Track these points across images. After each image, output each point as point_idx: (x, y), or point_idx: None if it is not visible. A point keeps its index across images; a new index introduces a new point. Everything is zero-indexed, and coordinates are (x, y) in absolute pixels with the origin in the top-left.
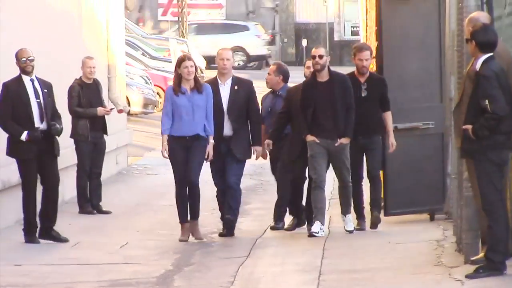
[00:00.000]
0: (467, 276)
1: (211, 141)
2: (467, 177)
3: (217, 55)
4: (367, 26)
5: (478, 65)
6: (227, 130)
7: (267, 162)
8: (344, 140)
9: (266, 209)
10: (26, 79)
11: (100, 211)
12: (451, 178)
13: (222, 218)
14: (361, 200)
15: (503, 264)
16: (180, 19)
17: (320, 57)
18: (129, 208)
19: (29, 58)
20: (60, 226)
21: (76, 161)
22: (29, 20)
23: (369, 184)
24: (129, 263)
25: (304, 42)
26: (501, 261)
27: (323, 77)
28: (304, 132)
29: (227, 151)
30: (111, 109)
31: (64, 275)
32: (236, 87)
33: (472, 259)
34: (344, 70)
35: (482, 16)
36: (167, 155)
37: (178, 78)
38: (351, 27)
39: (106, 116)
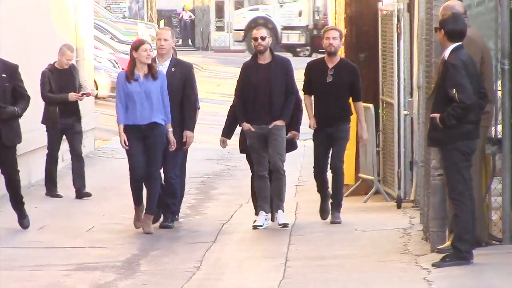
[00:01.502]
0: (433, 265)
1: (169, 128)
2: (434, 165)
3: (156, 35)
4: (335, 13)
5: (446, 54)
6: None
7: (235, 148)
8: (279, 122)
9: (233, 195)
10: None
11: (81, 194)
12: (419, 166)
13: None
14: (339, 189)
15: (470, 253)
16: (148, 3)
17: (263, 38)
18: (96, 192)
19: None
20: (26, 209)
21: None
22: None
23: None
24: (95, 247)
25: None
26: (467, 250)
27: (265, 59)
28: (239, 118)
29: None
30: (83, 93)
31: (30, 258)
32: (173, 69)
33: (438, 247)
34: (313, 56)
35: (457, 5)
36: (127, 146)
37: (133, 64)
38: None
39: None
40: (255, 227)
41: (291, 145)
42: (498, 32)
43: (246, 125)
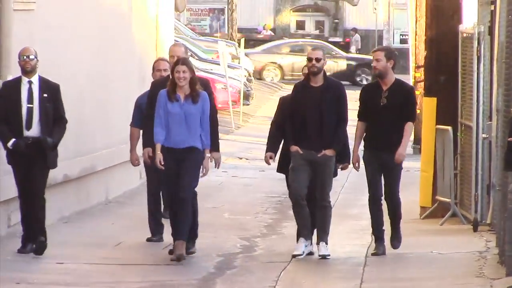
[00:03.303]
0: None
1: (207, 154)
2: (511, 189)
3: (169, 51)
4: (416, 34)
5: None
6: None
7: None
8: (329, 152)
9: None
10: (24, 80)
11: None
12: (496, 190)
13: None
14: (381, 220)
15: None
16: (229, 21)
17: (318, 60)
18: None
19: (29, 57)
20: (102, 225)
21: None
22: (79, 18)
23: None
24: (170, 265)
25: (353, 49)
26: None
27: (317, 81)
28: (288, 139)
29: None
30: None
31: (107, 275)
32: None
33: None
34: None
35: None
36: (162, 166)
37: (173, 84)
38: (400, 35)
39: None
40: (294, 256)
41: (334, 171)
42: None
43: (295, 148)
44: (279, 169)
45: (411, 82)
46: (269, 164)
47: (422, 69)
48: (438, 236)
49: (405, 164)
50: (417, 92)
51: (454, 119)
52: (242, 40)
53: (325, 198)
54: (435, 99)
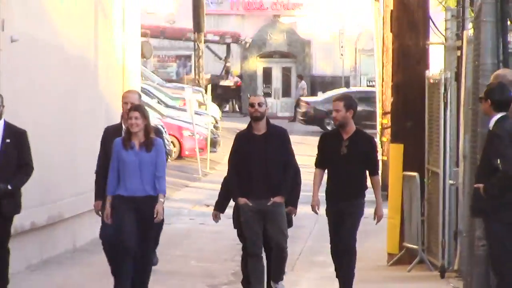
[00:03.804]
0: None
1: (161, 199)
2: (478, 236)
3: (122, 98)
4: (382, 80)
5: (491, 124)
6: None
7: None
8: (278, 199)
9: None
10: None
11: None
12: (463, 236)
13: None
14: (351, 275)
15: None
16: (196, 67)
17: (260, 104)
18: None
19: None
20: (70, 273)
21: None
22: (45, 64)
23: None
24: None
25: (320, 94)
26: None
27: (260, 129)
28: (234, 192)
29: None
30: None
31: None
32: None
33: None
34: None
35: (508, 74)
36: (109, 220)
37: (128, 131)
38: (367, 80)
39: None
40: None
41: (288, 221)
42: None
43: (242, 200)
44: (236, 225)
45: (378, 128)
46: (216, 222)
47: (389, 115)
48: (405, 283)
49: (371, 211)
50: (383, 139)
51: (421, 165)
52: (209, 87)
53: (282, 244)
54: (402, 145)
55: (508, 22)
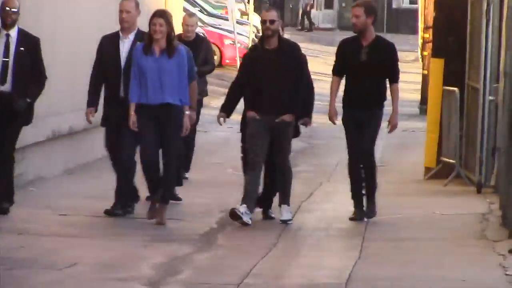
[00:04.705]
0: (510, 251)
1: (187, 112)
2: None
3: (119, 6)
4: None
5: None
6: (123, 92)
7: (319, 125)
8: (286, 117)
9: (314, 172)
10: (2, 33)
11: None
12: (501, 153)
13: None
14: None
15: None
16: None
17: (272, 22)
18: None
19: (12, 9)
20: (104, 179)
21: None
22: None
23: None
24: (173, 219)
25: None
26: None
27: (272, 44)
28: (245, 105)
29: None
30: None
31: (108, 227)
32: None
33: None
34: (401, 37)
35: None
36: (135, 128)
37: (149, 37)
38: None
39: None
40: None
41: (296, 131)
42: None
43: (251, 113)
44: (242, 128)
45: (419, 43)
46: (220, 124)
47: (431, 30)
48: (441, 197)
49: (410, 125)
50: (425, 53)
51: (462, 80)
52: None
53: (284, 163)
54: (442, 60)
55: None
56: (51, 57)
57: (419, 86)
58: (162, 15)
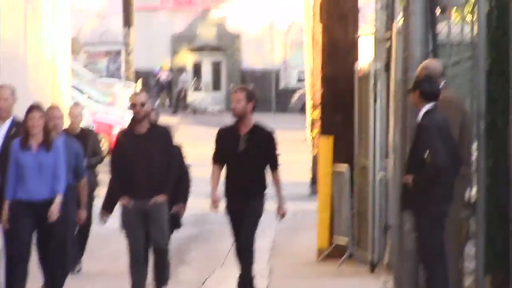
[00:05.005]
0: None
1: (57, 200)
2: (408, 229)
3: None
4: (312, 73)
5: (420, 116)
6: None
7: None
8: (159, 198)
9: (207, 259)
10: None
11: None
12: (393, 230)
13: None
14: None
15: None
16: (126, 63)
17: (142, 104)
18: None
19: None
20: None
21: None
22: None
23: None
24: None
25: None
26: None
27: (142, 128)
28: (115, 192)
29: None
30: None
31: None
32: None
33: None
34: (290, 117)
35: (435, 65)
36: (7, 226)
37: (27, 131)
38: (298, 73)
39: None
40: None
41: (175, 223)
42: (474, 93)
43: (124, 200)
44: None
45: (307, 122)
46: (104, 223)
47: (318, 108)
48: (335, 278)
49: (302, 206)
50: (313, 132)
51: (351, 158)
52: (139, 82)
53: (164, 243)
54: (331, 138)
55: (437, 13)
56: None
57: (308, 166)
58: (39, 108)
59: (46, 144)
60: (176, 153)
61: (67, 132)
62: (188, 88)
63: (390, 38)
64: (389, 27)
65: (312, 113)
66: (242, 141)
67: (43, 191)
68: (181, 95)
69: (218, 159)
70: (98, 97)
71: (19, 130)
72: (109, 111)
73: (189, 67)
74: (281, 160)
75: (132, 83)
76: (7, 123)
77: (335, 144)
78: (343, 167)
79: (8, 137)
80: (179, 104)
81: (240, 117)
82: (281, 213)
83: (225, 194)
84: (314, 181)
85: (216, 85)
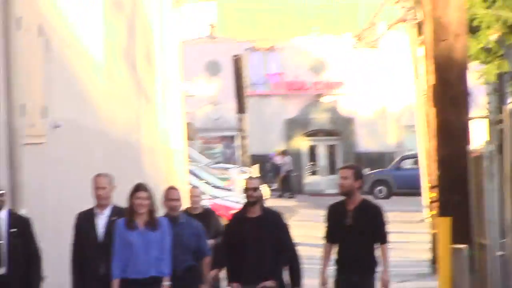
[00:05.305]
0: None
1: (166, 283)
2: None
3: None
4: (429, 156)
5: None
6: (103, 269)
7: None
8: (268, 283)
9: None
10: None
11: None
12: None
13: None
14: None
15: None
16: (241, 148)
17: (255, 189)
18: None
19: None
20: None
21: None
22: (87, 150)
23: None
24: None
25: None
26: None
27: (254, 212)
28: (228, 276)
29: None
30: None
31: None
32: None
33: None
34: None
35: None
36: None
37: (131, 211)
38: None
39: None
40: None
41: None
42: None
43: (235, 285)
44: None
45: (424, 203)
46: (214, 280)
47: (435, 189)
48: None
49: (421, 284)
50: (432, 212)
51: (469, 237)
52: (256, 166)
53: None
54: (449, 218)
55: None
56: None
57: (425, 246)
58: (145, 189)
59: (152, 223)
60: (288, 237)
61: (188, 212)
62: (291, 171)
63: (501, 121)
64: (501, 110)
65: (430, 194)
66: (349, 216)
67: (150, 268)
68: (286, 178)
69: (329, 236)
70: (215, 182)
71: (120, 217)
72: (226, 195)
73: (304, 151)
74: (398, 239)
75: (248, 168)
76: (107, 211)
77: (453, 223)
78: (462, 246)
79: (109, 224)
80: (285, 187)
81: (347, 194)
82: (384, 281)
83: (336, 268)
84: (434, 260)
85: (331, 169)
